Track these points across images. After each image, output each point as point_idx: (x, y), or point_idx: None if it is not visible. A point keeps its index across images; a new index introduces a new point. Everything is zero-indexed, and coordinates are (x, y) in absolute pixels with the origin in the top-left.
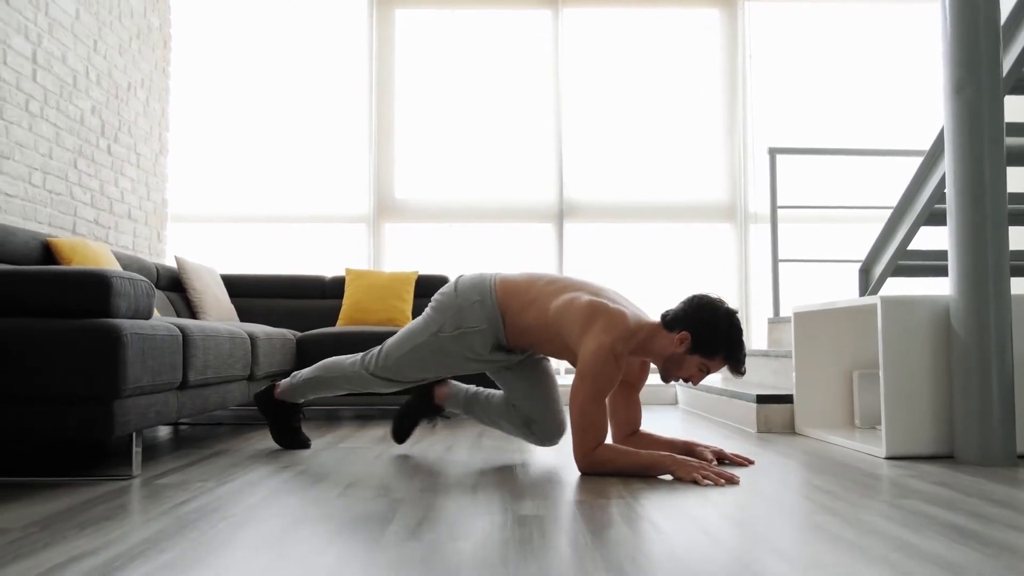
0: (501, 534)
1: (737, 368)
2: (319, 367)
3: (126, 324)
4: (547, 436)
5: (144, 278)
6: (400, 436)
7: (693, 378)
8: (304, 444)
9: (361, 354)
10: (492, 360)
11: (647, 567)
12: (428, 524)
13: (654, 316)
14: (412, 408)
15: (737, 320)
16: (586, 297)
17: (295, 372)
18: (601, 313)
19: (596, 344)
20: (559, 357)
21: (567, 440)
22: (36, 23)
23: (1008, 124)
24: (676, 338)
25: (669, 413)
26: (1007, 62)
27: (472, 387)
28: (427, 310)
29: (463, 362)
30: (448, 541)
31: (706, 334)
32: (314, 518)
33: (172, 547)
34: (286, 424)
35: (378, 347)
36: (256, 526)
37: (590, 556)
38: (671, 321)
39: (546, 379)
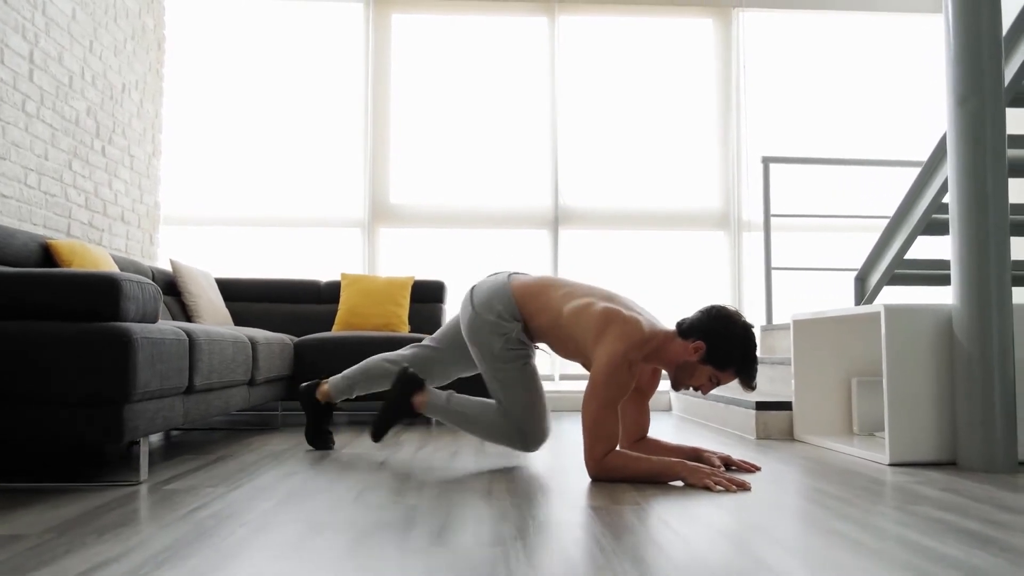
0: (528, 539)
1: (748, 383)
2: (475, 406)
3: (136, 328)
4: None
5: (151, 281)
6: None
7: (703, 388)
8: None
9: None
10: (528, 346)
11: (672, 570)
12: (450, 530)
13: (666, 323)
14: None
15: (752, 335)
16: (601, 304)
17: (450, 395)
18: (615, 320)
19: (610, 352)
20: (571, 359)
21: (578, 445)
22: (33, 22)
23: (1009, 136)
24: (690, 347)
25: (662, 420)
26: (1008, 74)
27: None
28: (472, 350)
29: (524, 362)
30: (476, 548)
31: (721, 345)
32: (332, 524)
33: (194, 553)
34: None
35: (498, 403)
36: (274, 532)
37: (619, 559)
38: (687, 329)
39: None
